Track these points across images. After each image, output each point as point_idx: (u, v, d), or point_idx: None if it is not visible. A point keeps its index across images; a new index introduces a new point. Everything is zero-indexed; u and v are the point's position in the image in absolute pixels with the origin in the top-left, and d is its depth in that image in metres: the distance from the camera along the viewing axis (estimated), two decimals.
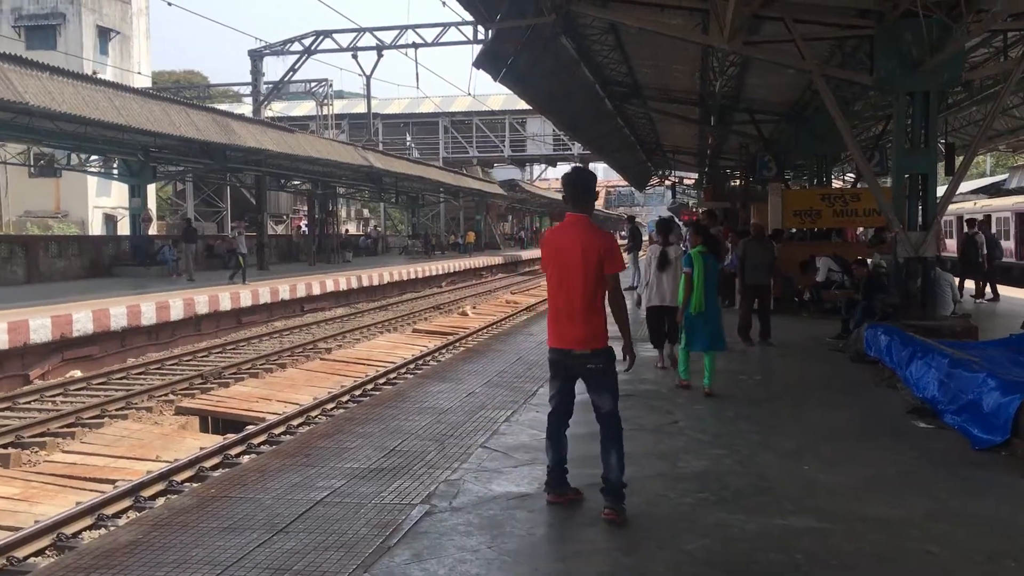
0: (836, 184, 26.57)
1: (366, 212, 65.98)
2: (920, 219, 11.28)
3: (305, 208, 43.92)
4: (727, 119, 22.92)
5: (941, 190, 13.09)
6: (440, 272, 37.23)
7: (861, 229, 21.17)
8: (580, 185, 5.18)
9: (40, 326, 14.76)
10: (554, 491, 5.24)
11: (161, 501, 8.14)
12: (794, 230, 19.03)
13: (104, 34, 40.29)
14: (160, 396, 13.11)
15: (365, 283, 29.08)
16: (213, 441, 10.62)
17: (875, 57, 11.31)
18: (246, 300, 21.49)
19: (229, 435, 10.80)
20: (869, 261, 13.67)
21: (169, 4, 25.67)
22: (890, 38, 10.91)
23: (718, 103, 20.75)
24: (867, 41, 12.12)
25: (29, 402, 12.83)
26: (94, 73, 28.21)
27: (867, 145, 20.45)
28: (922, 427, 7.23)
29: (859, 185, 23.11)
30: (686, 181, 51.63)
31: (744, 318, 12.16)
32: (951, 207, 26.49)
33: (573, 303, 4.96)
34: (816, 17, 11.70)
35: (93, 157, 27.70)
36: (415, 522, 4.90)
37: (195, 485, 7.87)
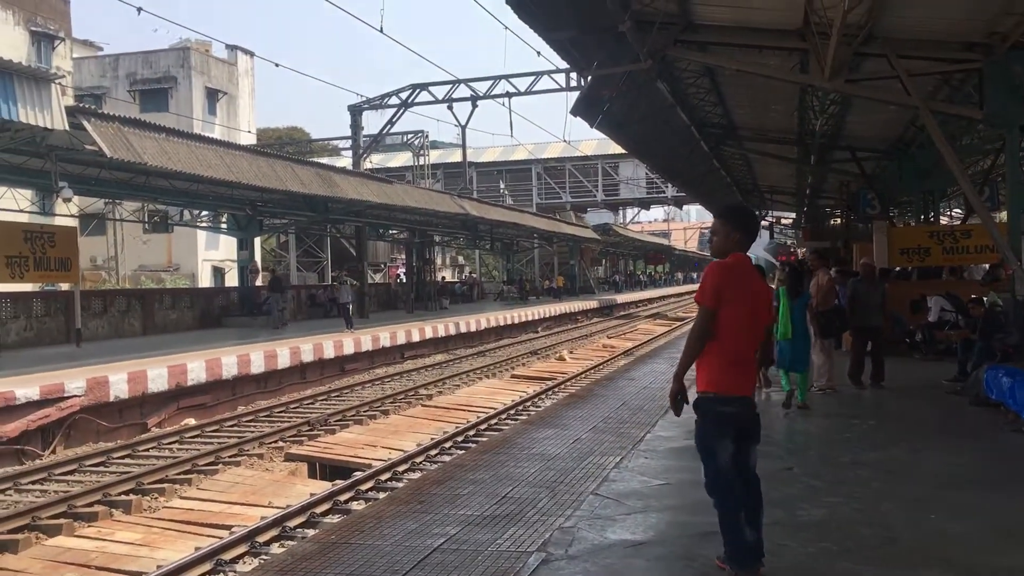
0: (943, 220, 25.72)
1: (461, 259, 66.86)
2: None
3: (402, 256, 44.80)
4: (827, 158, 22.50)
5: None
6: (536, 317, 37.31)
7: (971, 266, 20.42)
8: (757, 225, 5.09)
9: (157, 376, 15.38)
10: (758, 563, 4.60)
11: (276, 547, 8.32)
12: (898, 268, 18.48)
13: (212, 95, 42.34)
14: (270, 443, 13.45)
15: (463, 329, 29.37)
16: (322, 487, 10.81)
17: (984, 91, 10.99)
18: (348, 348, 21.96)
19: (338, 481, 10.99)
20: (985, 299, 13.16)
21: (277, 66, 26.88)
22: (999, 71, 10.61)
23: (817, 142, 20.43)
24: (975, 74, 11.80)
25: (148, 449, 13.32)
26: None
27: (976, 180, 19.79)
28: None
29: (969, 221, 22.34)
30: (783, 221, 50.82)
31: (855, 361, 11.79)
32: None
33: (755, 347, 4.75)
34: (920, 52, 11.44)
35: (203, 212, 28.90)
36: (532, 570, 4.90)
37: (314, 531, 8.02)
